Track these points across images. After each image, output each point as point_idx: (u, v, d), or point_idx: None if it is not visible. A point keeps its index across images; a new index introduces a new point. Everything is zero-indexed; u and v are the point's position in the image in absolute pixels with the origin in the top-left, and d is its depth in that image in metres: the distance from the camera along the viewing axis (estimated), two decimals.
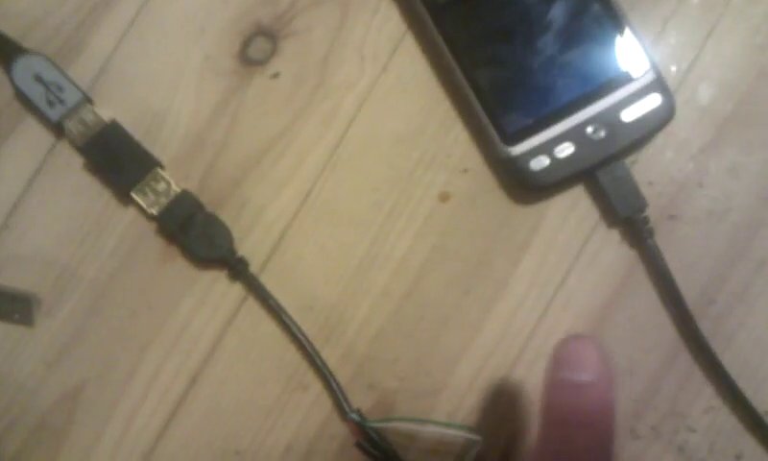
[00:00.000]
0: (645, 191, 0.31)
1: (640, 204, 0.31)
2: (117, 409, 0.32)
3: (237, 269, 0.31)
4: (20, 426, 0.32)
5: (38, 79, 0.32)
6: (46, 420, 0.32)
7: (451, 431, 0.30)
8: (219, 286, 0.32)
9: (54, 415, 0.32)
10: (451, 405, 0.32)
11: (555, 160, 0.31)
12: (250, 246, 0.32)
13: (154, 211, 0.31)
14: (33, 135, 0.33)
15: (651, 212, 0.31)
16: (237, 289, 0.32)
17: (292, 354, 0.32)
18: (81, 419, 0.32)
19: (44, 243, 0.32)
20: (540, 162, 0.31)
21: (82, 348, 0.32)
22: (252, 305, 0.32)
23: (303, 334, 0.31)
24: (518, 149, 0.31)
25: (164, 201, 0.31)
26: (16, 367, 0.32)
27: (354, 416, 0.31)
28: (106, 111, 0.32)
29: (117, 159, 0.32)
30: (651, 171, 0.32)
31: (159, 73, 0.33)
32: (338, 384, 0.31)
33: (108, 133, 0.32)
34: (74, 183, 0.33)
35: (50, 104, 0.32)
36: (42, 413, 0.32)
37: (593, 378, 0.24)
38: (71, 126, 0.32)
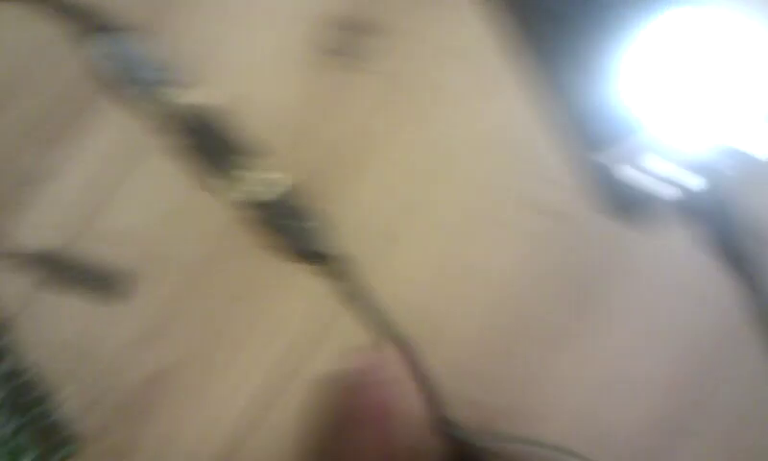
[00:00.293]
0: None
1: None
2: (206, 397, 0.31)
3: (339, 268, 0.30)
4: (105, 403, 0.30)
5: (134, 57, 0.31)
6: (132, 399, 0.30)
7: (563, 458, 0.29)
8: (320, 284, 0.31)
9: (140, 395, 0.31)
10: (557, 432, 0.30)
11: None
12: (351, 246, 0.31)
13: (256, 200, 0.30)
14: (131, 114, 0.32)
15: None
16: (337, 289, 0.31)
17: (390, 359, 0.30)
18: (167, 402, 0.30)
19: (142, 222, 0.31)
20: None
21: (174, 330, 0.31)
22: (351, 307, 0.31)
23: (407, 341, 0.30)
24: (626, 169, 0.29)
25: (266, 191, 0.30)
26: (106, 343, 0.31)
27: (456, 431, 0.29)
28: (204, 94, 0.31)
29: (217, 144, 0.31)
30: None
31: (255, 60, 0.32)
32: (439, 396, 0.30)
33: (207, 116, 0.31)
34: (171, 165, 0.32)
35: (148, 83, 0.31)
36: (128, 392, 0.30)
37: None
38: (170, 107, 0.31)
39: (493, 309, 0.31)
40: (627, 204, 0.30)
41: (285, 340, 0.31)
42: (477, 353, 0.30)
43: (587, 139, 0.30)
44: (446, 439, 0.29)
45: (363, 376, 0.29)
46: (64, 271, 0.31)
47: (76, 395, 0.30)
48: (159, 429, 0.30)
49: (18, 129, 0.32)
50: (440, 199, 0.31)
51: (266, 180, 0.30)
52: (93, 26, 0.31)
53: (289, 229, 0.30)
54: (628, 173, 0.30)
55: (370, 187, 0.31)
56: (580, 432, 0.30)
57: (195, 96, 0.31)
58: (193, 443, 0.30)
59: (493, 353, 0.30)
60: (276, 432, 0.30)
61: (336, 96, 0.32)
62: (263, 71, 0.32)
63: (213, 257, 0.31)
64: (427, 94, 0.32)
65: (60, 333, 0.31)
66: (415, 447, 0.29)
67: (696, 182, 0.29)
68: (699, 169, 0.29)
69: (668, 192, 0.30)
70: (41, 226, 0.31)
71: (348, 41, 0.32)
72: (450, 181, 0.31)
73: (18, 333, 0.31)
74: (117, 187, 0.32)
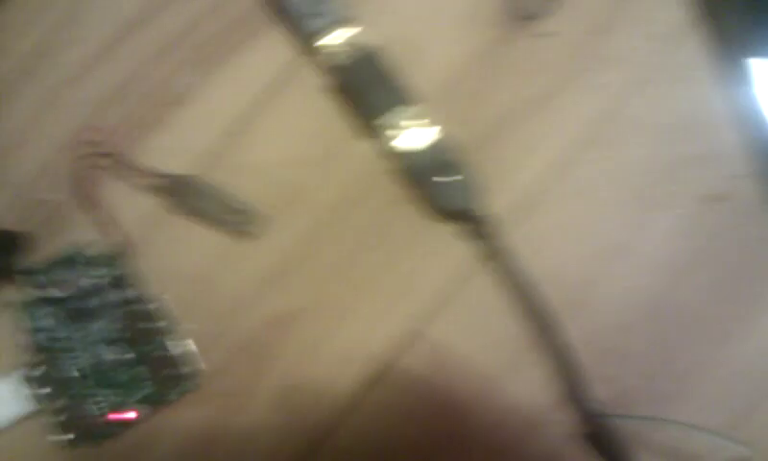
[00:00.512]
0: None
1: None
2: (327, 345, 0.30)
3: (482, 228, 0.29)
4: (225, 341, 0.30)
5: None
6: (253, 340, 0.30)
7: (718, 440, 0.28)
8: (457, 242, 0.30)
9: (262, 337, 0.30)
10: (696, 415, 0.29)
11: None
12: (496, 206, 0.30)
13: (401, 149, 0.29)
14: (281, 44, 0.31)
15: None
16: (474, 249, 0.30)
17: (525, 329, 0.29)
18: (289, 347, 0.30)
19: (277, 158, 0.31)
20: None
21: (301, 274, 0.30)
22: (490, 269, 0.29)
23: (547, 308, 0.29)
24: None
25: (414, 140, 0.29)
26: (232, 280, 0.30)
27: (595, 405, 0.28)
28: (363, 33, 0.30)
29: (370, 86, 0.30)
30: None
31: (425, 8, 0.31)
32: (578, 368, 0.29)
33: (366, 57, 0.30)
34: (316, 103, 0.31)
35: (305, 14, 0.30)
36: (251, 332, 0.30)
37: None
38: (326, 42, 0.30)
39: (639, 290, 0.29)
40: None
41: (414, 297, 0.30)
42: (616, 330, 0.29)
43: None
44: (580, 412, 0.29)
45: None
46: (196, 199, 0.30)
47: (198, 330, 0.29)
48: (280, 371, 0.30)
49: (168, 45, 0.31)
50: (596, 171, 0.30)
51: (417, 129, 0.29)
52: None
53: (434, 182, 0.29)
54: None
55: (524, 148, 0.30)
56: (714, 415, 0.29)
57: (360, 34, 0.30)
58: (313, 387, 0.30)
59: (633, 332, 0.29)
60: (394, 394, 0.29)
61: (509, 57, 0.31)
62: (438, 19, 0.31)
63: (350, 204, 0.30)
64: (605, 65, 0.31)
65: (186, 265, 0.30)
66: None
67: None
68: None
69: None
70: (178, 150, 0.31)
71: (532, 4, 0.31)
72: (609, 154, 0.30)
73: (142, 261, 0.30)
74: (261, 119, 0.31)
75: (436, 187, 0.29)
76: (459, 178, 0.29)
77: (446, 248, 0.30)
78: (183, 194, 0.30)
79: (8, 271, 0.30)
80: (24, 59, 0.32)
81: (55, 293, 0.29)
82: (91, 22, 0.32)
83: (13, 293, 0.30)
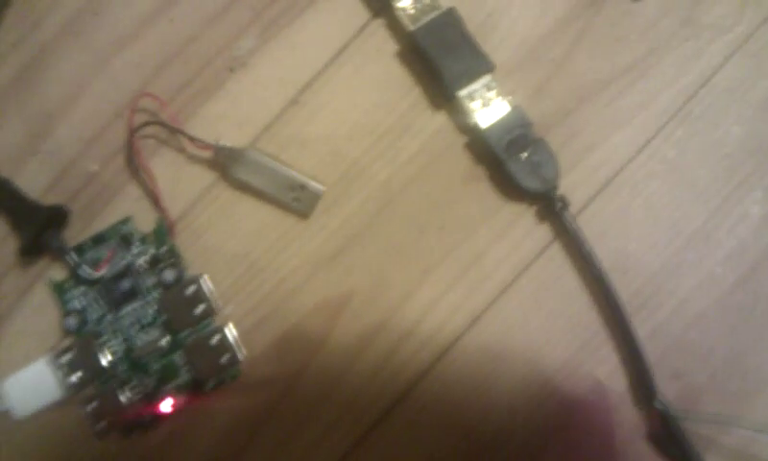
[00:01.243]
0: None
1: None
2: (386, 330, 0.28)
3: (553, 208, 0.27)
4: (270, 325, 0.28)
5: None
6: (304, 323, 0.28)
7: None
8: (524, 221, 0.28)
9: (312, 319, 0.28)
10: (763, 413, 0.27)
11: None
12: (568, 185, 0.28)
13: (473, 121, 0.27)
14: (348, 7, 0.29)
15: None
16: (545, 229, 0.28)
17: (592, 317, 0.28)
18: (340, 331, 0.28)
19: (336, 129, 0.29)
20: None
21: (357, 254, 0.28)
22: (558, 251, 0.28)
23: (616, 295, 0.27)
24: None
25: (488, 112, 0.27)
26: (282, 257, 0.28)
27: (660, 404, 0.27)
28: None
29: (446, 53, 0.28)
30: None
31: None
32: (646, 362, 0.27)
33: (444, 19, 0.28)
34: (383, 71, 0.29)
35: None
36: (299, 316, 0.28)
37: None
38: (401, 3, 0.28)
39: (713, 280, 0.28)
40: None
41: (481, 277, 0.28)
42: (687, 322, 0.28)
43: None
44: (646, 409, 0.27)
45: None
46: (251, 173, 0.28)
47: (240, 314, 0.28)
48: (328, 358, 0.28)
49: (227, 6, 0.29)
50: (684, 148, 0.28)
51: (494, 101, 0.27)
52: None
53: (509, 158, 0.27)
54: None
55: (604, 122, 0.28)
56: None
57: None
58: (367, 371, 0.28)
59: (705, 325, 0.27)
60: (449, 381, 0.28)
61: (587, 18, 0.29)
62: None
63: (418, 179, 0.28)
64: (699, 32, 0.29)
65: (232, 243, 0.28)
66: None
67: None
68: None
69: None
70: (236, 119, 0.29)
71: None
72: (700, 130, 0.28)
73: (186, 239, 0.28)
74: (327, 87, 0.29)
75: (510, 164, 0.27)
76: (536, 154, 0.27)
77: (518, 227, 0.28)
78: (238, 167, 0.28)
79: (44, 246, 0.28)
80: (71, 17, 0.29)
81: (89, 273, 0.27)
82: None
83: (48, 271, 0.28)
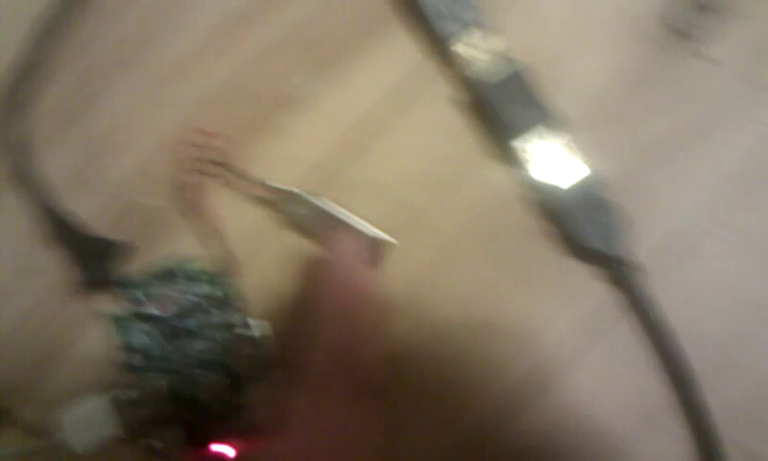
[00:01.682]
0: None
1: None
2: (441, 391, 0.27)
3: (623, 272, 0.26)
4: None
5: None
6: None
7: None
8: (594, 285, 0.27)
9: (378, 370, 0.26)
10: None
11: None
12: (638, 249, 0.26)
13: (538, 177, 0.26)
14: (409, 47, 0.28)
15: None
16: (613, 294, 0.27)
17: (661, 387, 0.26)
18: (401, 388, 0.27)
19: (397, 175, 0.28)
20: None
21: (417, 309, 0.27)
22: (627, 317, 0.26)
23: (686, 366, 0.26)
24: None
25: (554, 169, 0.26)
26: None
27: None
28: (505, 42, 0.27)
29: (509, 103, 0.26)
30: None
31: (573, 18, 0.28)
32: (717, 437, 0.26)
33: (508, 69, 0.27)
34: (445, 116, 0.28)
35: (441, 15, 0.27)
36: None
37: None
38: (462, 49, 0.27)
39: None
40: None
41: (543, 342, 0.27)
42: (759, 398, 0.26)
43: None
44: None
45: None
46: (307, 216, 0.27)
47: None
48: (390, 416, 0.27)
49: (282, 41, 0.29)
50: (756, 216, 0.27)
51: (559, 157, 0.26)
52: None
53: (574, 218, 0.26)
54: None
55: (669, 186, 0.27)
56: None
57: (501, 42, 0.27)
58: (425, 428, 0.27)
59: None
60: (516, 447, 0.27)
61: (665, 80, 0.27)
62: (587, 31, 0.28)
63: (477, 233, 0.27)
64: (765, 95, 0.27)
65: (293, 288, 0.27)
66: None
67: None
68: None
69: None
70: (290, 159, 0.28)
71: (692, 21, 0.28)
72: None
73: (246, 280, 0.27)
74: (382, 130, 0.28)
75: (575, 224, 0.26)
76: (606, 216, 0.26)
77: (582, 291, 0.27)
78: (294, 210, 0.27)
79: (103, 281, 0.27)
80: (122, 47, 0.29)
81: (152, 310, 0.27)
82: (197, 10, 0.29)
83: (106, 305, 0.28)
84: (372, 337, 0.25)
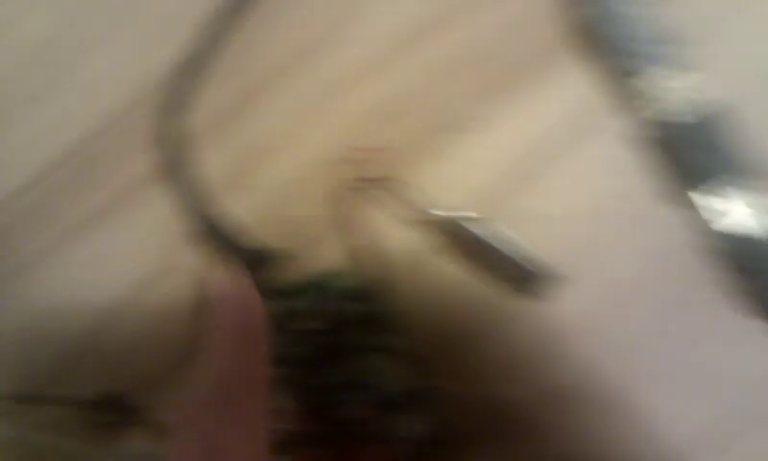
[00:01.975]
0: None
1: None
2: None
3: None
4: (480, 409, 0.26)
5: (632, 21, 0.26)
6: (519, 411, 0.26)
7: None
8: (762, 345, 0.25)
9: (531, 409, 0.26)
10: None
11: None
12: None
13: (723, 228, 0.25)
14: (586, 79, 0.27)
15: None
16: None
17: None
18: (564, 424, 0.25)
19: (566, 209, 0.26)
20: None
21: (583, 348, 0.26)
22: None
23: None
24: None
25: (743, 222, 0.25)
26: (496, 343, 0.26)
27: None
28: (696, 82, 0.25)
29: (696, 147, 0.25)
30: None
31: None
32: None
33: (698, 113, 0.25)
34: (620, 153, 0.26)
35: (622, 49, 0.26)
36: (516, 404, 0.26)
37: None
38: (646, 86, 0.25)
39: None
40: None
41: (710, 402, 0.25)
42: None
43: None
44: None
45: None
46: (470, 245, 0.26)
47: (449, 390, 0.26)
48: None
49: (454, 64, 0.28)
50: None
51: (749, 209, 0.25)
52: None
53: (762, 275, 0.24)
54: None
55: None
56: None
57: (689, 84, 0.25)
58: None
59: None
60: None
61: None
62: None
63: (647, 277, 0.26)
64: None
65: (446, 318, 0.26)
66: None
67: None
68: None
69: None
70: (454, 185, 0.27)
71: None
72: None
73: (400, 303, 0.26)
74: (552, 162, 0.27)
75: (763, 281, 0.24)
76: None
77: (760, 352, 0.25)
78: (456, 237, 0.26)
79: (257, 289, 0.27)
80: (287, 54, 0.29)
81: (299, 323, 0.27)
82: (367, 24, 0.28)
83: None
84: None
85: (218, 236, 0.27)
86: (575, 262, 0.26)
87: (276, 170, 0.28)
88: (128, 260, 0.28)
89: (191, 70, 0.28)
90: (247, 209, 0.28)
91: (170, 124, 0.28)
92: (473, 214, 0.26)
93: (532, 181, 0.27)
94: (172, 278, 0.28)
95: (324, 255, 0.27)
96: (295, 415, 0.25)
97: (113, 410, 0.28)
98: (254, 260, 0.27)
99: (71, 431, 0.28)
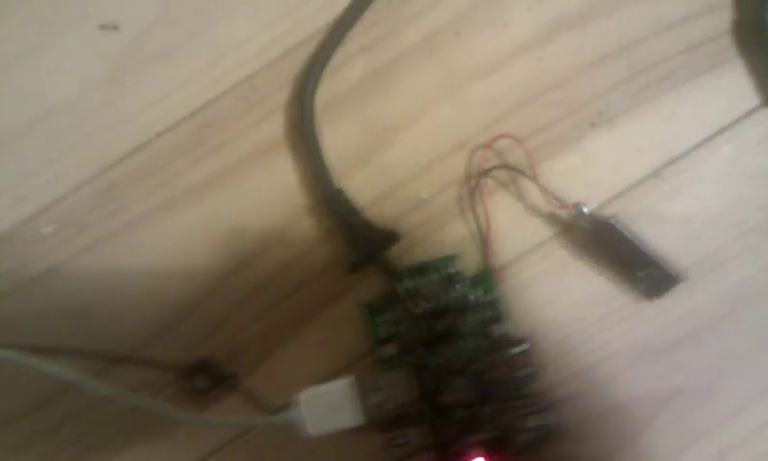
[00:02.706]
0: None
1: None
2: (705, 439, 0.26)
3: None
4: (585, 404, 0.26)
5: None
6: (619, 411, 0.26)
7: None
8: None
9: (629, 409, 0.26)
10: None
11: None
12: None
13: None
14: (736, 88, 0.26)
15: None
16: None
17: None
18: (657, 429, 0.26)
19: (697, 214, 0.26)
20: None
21: (691, 352, 0.26)
22: None
23: None
24: None
25: None
26: (608, 335, 0.26)
27: None
28: None
29: None
30: None
31: None
32: None
33: None
34: (763, 163, 0.26)
35: None
36: (618, 402, 0.26)
37: None
38: None
39: None
40: None
41: None
42: None
43: None
44: None
45: None
46: (603, 242, 0.26)
47: (552, 382, 0.26)
48: (635, 456, 0.26)
49: (605, 57, 0.27)
50: None
51: None
52: None
53: None
54: None
55: None
56: None
57: None
58: None
59: None
60: None
61: None
62: None
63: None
64: None
65: (554, 307, 0.26)
66: None
67: None
68: None
69: None
70: (591, 180, 0.27)
71: None
72: None
73: (515, 293, 0.26)
74: (699, 164, 0.26)
75: None
76: None
77: None
78: (594, 232, 0.26)
79: (365, 266, 0.26)
80: (432, 31, 0.28)
81: (413, 306, 0.26)
82: (518, 10, 0.27)
83: (356, 287, 0.27)
84: None
85: (341, 211, 0.27)
86: (698, 265, 0.26)
87: (404, 149, 0.27)
88: (238, 228, 0.27)
89: (332, 42, 0.27)
90: (369, 187, 0.27)
91: (299, 92, 0.27)
92: (607, 212, 0.26)
93: (669, 181, 0.26)
94: (282, 249, 0.27)
95: (440, 239, 0.27)
96: (399, 390, 0.26)
97: (206, 376, 0.28)
98: (373, 237, 0.26)
99: (164, 395, 0.28)
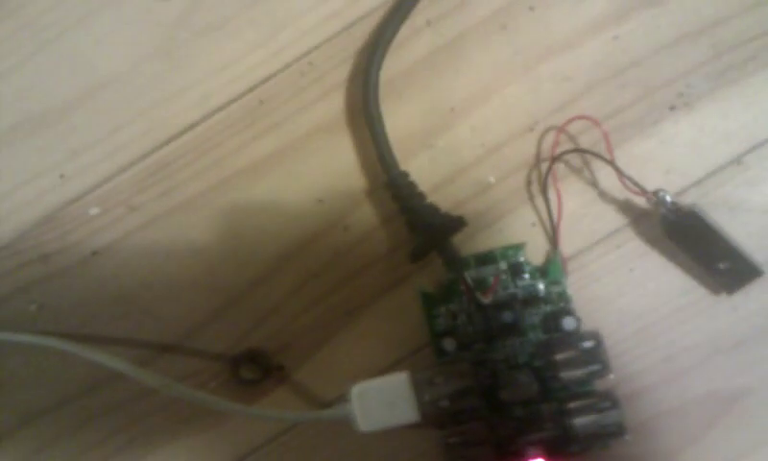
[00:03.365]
0: None
1: None
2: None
3: None
4: (649, 400, 0.25)
5: None
6: (687, 409, 0.25)
7: None
8: None
9: (697, 407, 0.25)
10: None
11: None
12: None
13: None
14: None
15: None
16: None
17: None
18: (724, 429, 0.25)
19: None
20: None
21: (763, 350, 0.25)
22: None
23: None
24: None
25: None
26: (681, 330, 0.25)
27: None
28: None
29: None
30: None
31: None
32: None
33: None
34: None
35: None
36: (686, 400, 0.25)
37: None
38: None
39: None
40: None
41: None
42: None
43: None
44: None
45: None
46: (680, 232, 0.24)
47: (620, 377, 0.25)
48: (700, 455, 0.25)
49: (684, 37, 0.26)
50: None
51: None
52: None
53: None
54: None
55: None
56: None
57: None
58: None
59: None
60: None
61: None
62: None
63: None
64: None
65: (625, 299, 0.25)
66: None
67: None
68: None
69: None
70: (666, 166, 0.25)
71: None
72: None
73: (572, 281, 0.25)
74: (755, 149, 0.25)
75: None
76: None
77: None
78: (669, 221, 0.24)
79: (427, 254, 0.25)
80: (504, 6, 0.26)
81: (478, 297, 0.25)
82: None
83: (414, 275, 0.26)
84: None
85: (404, 195, 0.25)
86: None
87: (471, 130, 0.26)
88: (293, 212, 0.26)
89: (392, 12, 0.26)
90: (433, 169, 0.26)
91: (363, 68, 0.26)
92: (685, 200, 0.25)
93: (751, 168, 0.25)
94: (339, 234, 0.26)
95: (506, 227, 0.26)
96: (455, 385, 0.24)
97: (254, 367, 0.27)
98: (445, 226, 0.25)
99: (210, 386, 0.27)
